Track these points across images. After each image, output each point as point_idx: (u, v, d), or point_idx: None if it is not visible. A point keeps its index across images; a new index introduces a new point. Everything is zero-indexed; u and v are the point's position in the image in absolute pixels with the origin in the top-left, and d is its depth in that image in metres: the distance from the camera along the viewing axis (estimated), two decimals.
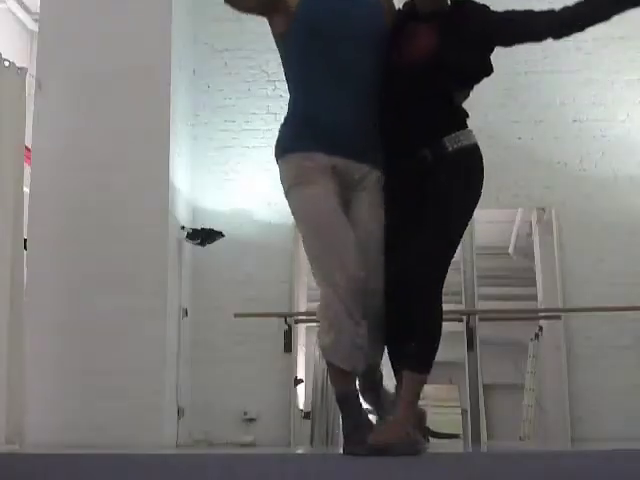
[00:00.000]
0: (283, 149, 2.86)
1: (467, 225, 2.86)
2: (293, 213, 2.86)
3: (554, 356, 5.75)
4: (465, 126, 2.85)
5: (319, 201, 2.76)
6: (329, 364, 2.80)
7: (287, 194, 2.87)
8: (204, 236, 5.76)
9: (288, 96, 2.92)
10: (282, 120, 2.93)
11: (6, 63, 5.17)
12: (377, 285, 2.76)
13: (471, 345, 5.72)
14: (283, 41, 2.86)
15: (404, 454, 2.44)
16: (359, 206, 2.84)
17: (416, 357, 2.67)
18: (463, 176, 2.76)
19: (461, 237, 2.82)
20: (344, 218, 2.75)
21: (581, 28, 2.82)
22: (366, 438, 2.56)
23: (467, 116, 2.88)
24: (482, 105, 5.52)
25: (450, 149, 2.75)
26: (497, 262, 6.29)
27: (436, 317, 2.67)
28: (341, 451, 2.75)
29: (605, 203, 5.95)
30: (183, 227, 5.77)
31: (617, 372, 5.64)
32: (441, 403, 5.93)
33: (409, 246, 2.73)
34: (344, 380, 2.79)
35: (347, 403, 2.79)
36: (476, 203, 2.82)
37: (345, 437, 2.74)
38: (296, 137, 2.83)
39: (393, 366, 2.82)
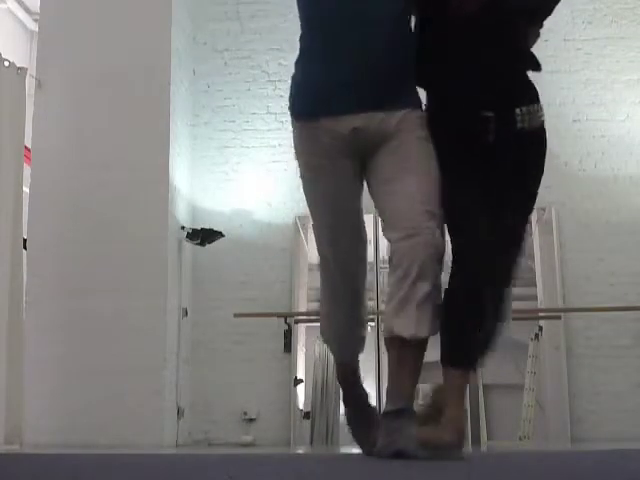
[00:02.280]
0: (294, 111, 2.50)
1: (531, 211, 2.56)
2: (305, 196, 2.59)
3: (554, 356, 5.74)
4: (537, 99, 2.42)
5: (328, 195, 2.49)
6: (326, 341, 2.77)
7: (302, 177, 2.59)
8: (204, 236, 5.76)
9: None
10: (290, 82, 2.55)
11: (6, 63, 5.17)
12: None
13: None
14: None
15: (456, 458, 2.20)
16: (403, 146, 2.39)
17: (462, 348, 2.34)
18: (526, 159, 2.42)
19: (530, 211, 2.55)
20: (356, 206, 2.52)
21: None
22: (368, 429, 2.49)
23: (539, 70, 2.45)
24: None
25: (520, 125, 2.34)
26: None
27: (509, 301, 2.40)
28: (360, 451, 2.65)
29: (605, 203, 5.95)
30: (183, 227, 5.77)
31: (617, 372, 5.64)
32: None
33: (474, 217, 2.31)
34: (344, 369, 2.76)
35: (347, 381, 2.73)
36: (538, 187, 2.53)
37: (350, 430, 2.70)
38: (307, 95, 2.44)
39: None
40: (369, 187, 2.51)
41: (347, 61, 2.34)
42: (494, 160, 2.35)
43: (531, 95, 2.38)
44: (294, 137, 2.53)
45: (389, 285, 2.39)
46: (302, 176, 2.57)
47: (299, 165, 2.55)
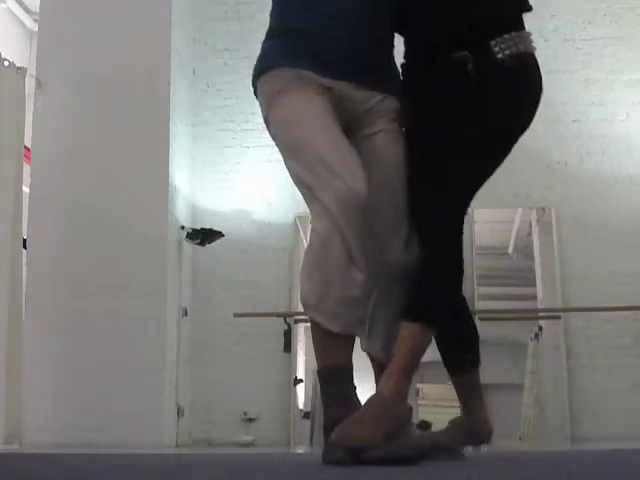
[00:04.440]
0: (263, 65, 2.24)
1: (506, 155, 2.20)
2: (273, 137, 2.23)
3: (554, 356, 5.74)
4: (521, 26, 2.18)
5: (304, 108, 2.13)
6: (312, 323, 2.07)
7: (267, 117, 2.23)
8: (204, 236, 5.76)
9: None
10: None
11: (6, 63, 5.17)
12: (400, 240, 2.16)
13: None
14: None
15: (399, 462, 1.80)
16: (372, 143, 2.21)
17: (412, 299, 2.06)
18: (515, 92, 2.13)
19: (495, 168, 2.19)
20: (338, 127, 2.12)
21: None
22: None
23: (528, 9, 2.20)
24: None
25: (500, 56, 2.10)
26: (497, 262, 6.29)
27: (443, 251, 2.07)
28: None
29: (605, 203, 5.95)
30: (183, 227, 5.77)
31: (617, 372, 5.63)
32: (441, 403, 5.93)
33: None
34: (331, 348, 2.06)
35: (333, 384, 2.05)
36: (524, 130, 2.19)
37: (324, 435, 2.00)
38: (282, 53, 2.22)
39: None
40: None
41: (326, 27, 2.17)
42: (464, 101, 2.11)
43: (508, 24, 2.14)
44: (260, 95, 2.24)
45: None
46: (267, 115, 2.22)
47: (266, 108, 2.21)
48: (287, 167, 2.17)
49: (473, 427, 2.39)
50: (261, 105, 2.25)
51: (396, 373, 2.00)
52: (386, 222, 2.18)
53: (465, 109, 2.10)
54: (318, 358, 2.11)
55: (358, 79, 2.18)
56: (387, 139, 2.23)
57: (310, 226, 2.09)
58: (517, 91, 2.14)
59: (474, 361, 2.38)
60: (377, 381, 2.24)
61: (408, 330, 2.02)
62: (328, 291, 2.02)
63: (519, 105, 2.15)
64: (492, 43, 2.09)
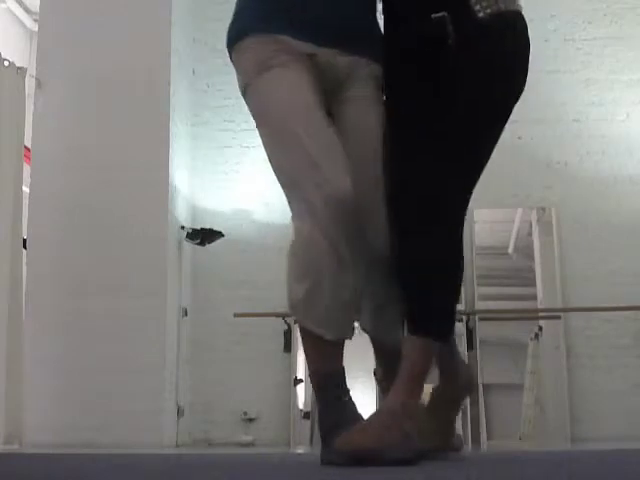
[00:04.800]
0: (239, 32, 2.08)
1: (500, 133, 2.05)
2: (253, 115, 2.09)
3: (554, 356, 5.75)
4: None
5: (287, 91, 1.99)
6: (302, 330, 2.03)
7: (245, 92, 2.09)
8: (204, 236, 5.76)
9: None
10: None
11: (6, 63, 5.17)
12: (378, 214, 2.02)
13: (471, 345, 5.72)
14: None
15: (393, 462, 1.75)
16: (349, 110, 2.08)
17: (415, 312, 1.94)
18: (499, 53, 1.96)
19: (491, 150, 2.04)
20: (322, 114, 1.99)
21: None
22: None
23: None
24: None
25: (481, 14, 1.93)
26: (497, 262, 6.29)
27: (445, 250, 1.94)
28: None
29: (605, 203, 5.95)
30: (183, 227, 5.77)
31: (617, 372, 5.64)
32: None
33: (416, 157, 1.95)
34: (322, 353, 1.99)
35: (326, 389, 1.98)
36: (516, 96, 2.03)
37: (322, 439, 1.94)
38: (257, 17, 2.06)
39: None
40: None
41: None
42: (444, 68, 1.95)
43: None
44: (237, 66, 2.11)
45: None
46: (245, 89, 2.09)
47: (245, 83, 2.08)
48: (267, 154, 2.05)
49: (462, 384, 2.28)
50: (238, 74, 2.11)
51: (405, 386, 1.90)
52: (368, 189, 2.01)
53: (448, 74, 1.95)
54: (309, 362, 2.04)
55: (342, 44, 2.05)
56: (368, 105, 2.09)
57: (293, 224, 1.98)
58: (501, 52, 1.96)
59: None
60: (376, 372, 2.21)
61: (414, 343, 1.92)
62: (318, 296, 1.95)
63: (505, 66, 1.98)
64: (472, 1, 1.93)
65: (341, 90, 2.08)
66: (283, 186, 2.03)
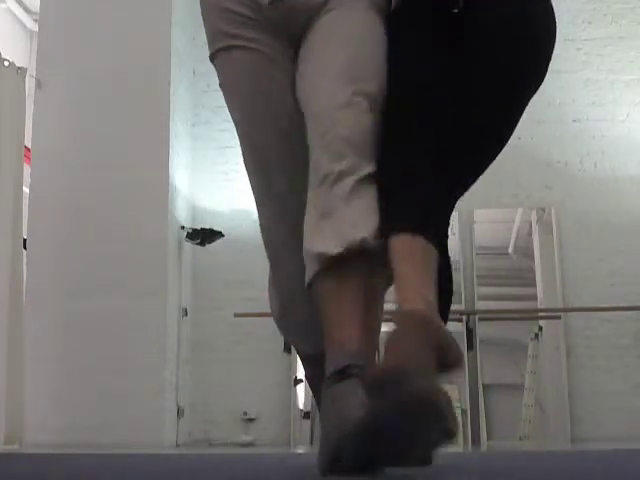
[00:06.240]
0: None
1: (527, 98, 1.83)
2: (221, 86, 1.95)
3: (554, 356, 5.75)
4: None
5: (248, 91, 1.84)
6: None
7: (211, 58, 1.98)
8: (204, 236, 5.77)
9: None
10: None
11: (6, 63, 5.17)
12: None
13: (471, 345, 5.72)
14: None
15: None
16: (335, 17, 1.68)
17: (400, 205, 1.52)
18: (531, 39, 1.74)
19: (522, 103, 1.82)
20: (289, 112, 1.78)
21: None
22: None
23: None
24: None
25: None
26: (497, 262, 6.29)
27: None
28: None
29: (605, 203, 5.95)
30: (183, 227, 5.77)
31: (617, 372, 5.64)
32: None
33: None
34: (310, 362, 1.85)
35: (319, 390, 1.64)
36: (540, 67, 1.82)
37: (320, 447, 1.50)
38: None
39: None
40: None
41: None
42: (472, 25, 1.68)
43: None
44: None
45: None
46: (211, 56, 1.95)
47: (210, 49, 1.95)
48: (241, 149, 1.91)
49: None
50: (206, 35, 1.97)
51: (427, 287, 1.41)
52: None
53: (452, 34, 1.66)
54: (303, 367, 1.97)
55: None
56: (353, 14, 1.68)
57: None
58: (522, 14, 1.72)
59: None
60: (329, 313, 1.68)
61: (406, 243, 1.47)
62: (291, 311, 1.85)
63: (527, 31, 1.74)
64: None
65: (323, 13, 1.70)
66: (250, 183, 1.99)
